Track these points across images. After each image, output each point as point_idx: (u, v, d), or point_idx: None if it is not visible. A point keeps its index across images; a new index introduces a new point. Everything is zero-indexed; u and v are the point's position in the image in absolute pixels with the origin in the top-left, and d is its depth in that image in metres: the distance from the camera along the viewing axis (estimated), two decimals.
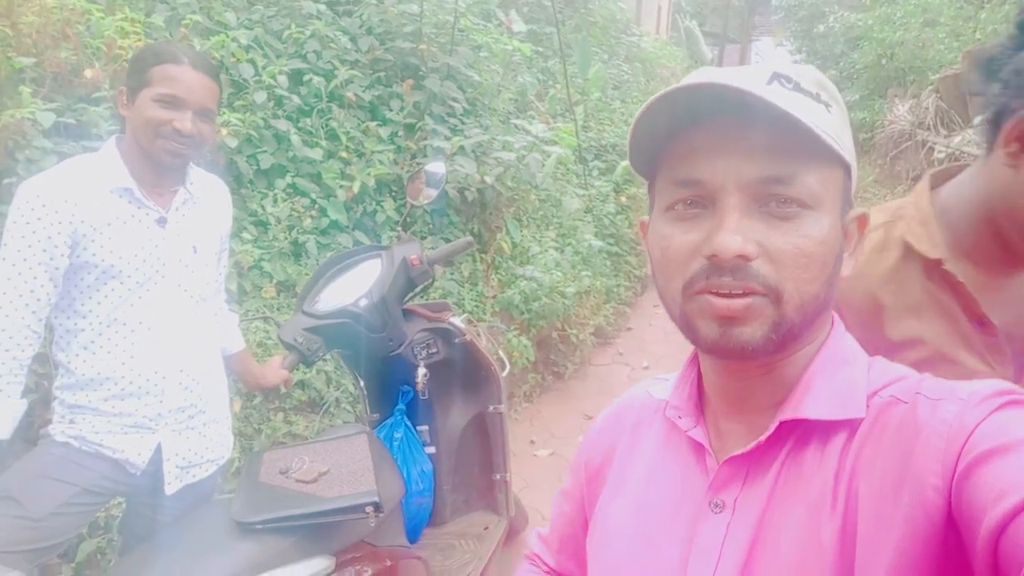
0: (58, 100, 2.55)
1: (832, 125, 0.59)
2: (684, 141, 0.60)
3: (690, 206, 0.60)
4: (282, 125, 3.24)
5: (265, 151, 3.19)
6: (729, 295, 0.58)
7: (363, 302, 1.98)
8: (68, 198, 1.44)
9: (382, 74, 3.94)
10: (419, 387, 2.14)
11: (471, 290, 3.96)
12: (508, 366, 2.45)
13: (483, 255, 4.18)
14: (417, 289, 2.16)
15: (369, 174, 3.50)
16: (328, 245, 3.28)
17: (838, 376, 0.63)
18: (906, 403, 0.59)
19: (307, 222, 3.22)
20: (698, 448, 0.69)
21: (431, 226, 3.80)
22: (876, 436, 0.59)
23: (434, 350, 2.22)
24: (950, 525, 0.52)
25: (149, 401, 1.58)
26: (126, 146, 1.55)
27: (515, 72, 5.25)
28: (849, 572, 0.55)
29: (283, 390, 2.78)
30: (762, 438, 0.62)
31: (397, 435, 2.30)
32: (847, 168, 0.61)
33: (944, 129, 7.56)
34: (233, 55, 3.16)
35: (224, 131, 2.93)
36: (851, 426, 0.60)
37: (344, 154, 3.51)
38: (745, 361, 0.62)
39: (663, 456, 0.73)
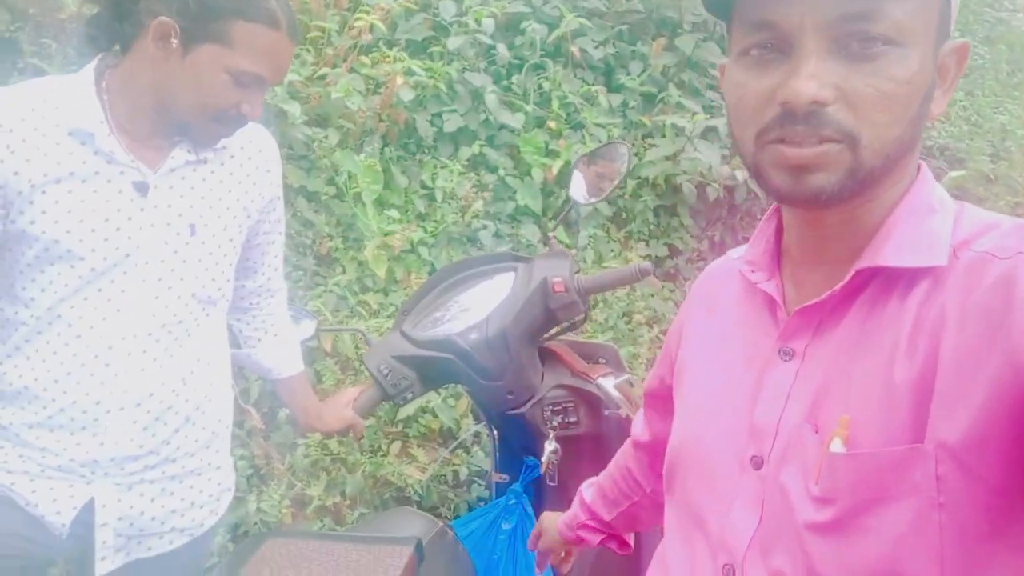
0: None
1: None
2: None
3: (765, 50, 0.60)
4: (478, 80, 2.64)
5: (453, 110, 2.63)
6: (801, 144, 0.58)
7: (473, 335, 1.48)
8: (3, 137, 1.03)
9: (624, 27, 3.17)
10: (543, 467, 1.58)
11: None
12: None
13: None
14: (561, 326, 1.56)
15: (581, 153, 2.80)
16: (508, 236, 2.66)
17: (922, 224, 0.61)
18: (1004, 260, 0.56)
19: (486, 204, 2.62)
20: (771, 301, 0.69)
21: (652, 226, 3.00)
22: (966, 291, 0.57)
23: (572, 418, 1.62)
24: None
25: (83, 439, 1.11)
26: (119, 82, 1.09)
27: None
28: (921, 420, 0.55)
29: (354, 441, 2.15)
30: (836, 287, 0.62)
31: (505, 526, 1.69)
32: None
33: None
34: None
35: (400, 80, 2.40)
36: (934, 276, 0.59)
37: (553, 124, 2.83)
38: (821, 209, 0.62)
39: (738, 312, 0.74)
